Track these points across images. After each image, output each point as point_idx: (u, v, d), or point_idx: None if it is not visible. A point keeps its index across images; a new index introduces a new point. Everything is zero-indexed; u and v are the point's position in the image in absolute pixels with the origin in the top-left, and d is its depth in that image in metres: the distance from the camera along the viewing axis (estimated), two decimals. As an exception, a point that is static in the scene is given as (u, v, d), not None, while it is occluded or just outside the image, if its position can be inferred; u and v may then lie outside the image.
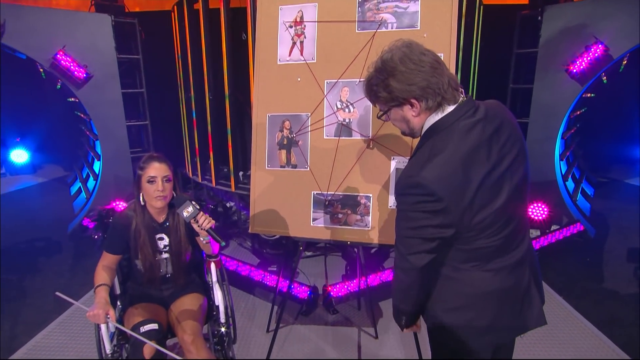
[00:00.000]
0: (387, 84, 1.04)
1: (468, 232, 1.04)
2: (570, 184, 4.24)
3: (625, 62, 3.72)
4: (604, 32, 3.33)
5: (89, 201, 4.16)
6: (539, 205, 3.79)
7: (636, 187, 5.30)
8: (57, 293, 1.46)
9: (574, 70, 3.46)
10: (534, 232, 3.72)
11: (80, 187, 4.75)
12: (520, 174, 1.08)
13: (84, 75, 3.69)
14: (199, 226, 1.52)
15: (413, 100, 1.04)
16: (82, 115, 4.66)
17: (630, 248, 3.29)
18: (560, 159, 4.03)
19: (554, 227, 3.70)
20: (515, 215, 1.09)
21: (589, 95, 4.30)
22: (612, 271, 3.12)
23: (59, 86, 4.00)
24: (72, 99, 4.55)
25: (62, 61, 3.57)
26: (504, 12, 4.07)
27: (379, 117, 1.17)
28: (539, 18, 3.62)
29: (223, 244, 1.52)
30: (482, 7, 3.55)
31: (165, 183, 1.60)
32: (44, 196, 5.58)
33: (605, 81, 3.83)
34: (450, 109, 1.04)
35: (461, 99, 1.06)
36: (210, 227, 1.52)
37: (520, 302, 1.15)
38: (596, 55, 3.32)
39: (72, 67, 3.63)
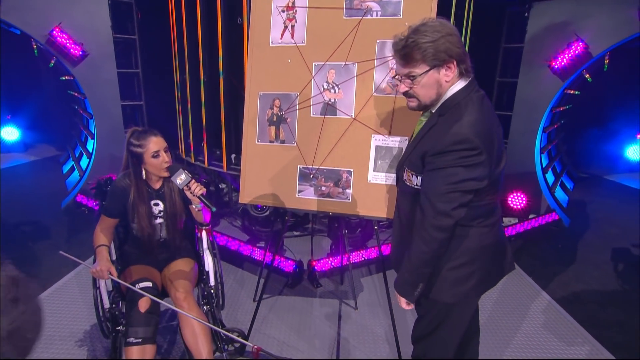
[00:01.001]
0: (439, 43, 1.12)
1: (487, 186, 1.19)
2: (550, 177, 4.42)
3: (607, 60, 3.87)
4: (585, 30, 3.47)
5: (82, 178, 4.23)
6: (518, 194, 3.97)
7: (614, 183, 5.54)
8: (61, 252, 1.57)
9: (556, 66, 3.61)
10: (512, 220, 3.91)
11: (72, 166, 4.81)
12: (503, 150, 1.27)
13: (80, 52, 3.74)
14: (191, 193, 1.64)
15: (454, 62, 1.16)
16: (75, 94, 4.69)
17: (614, 248, 3.41)
18: (541, 152, 4.19)
19: (531, 216, 3.90)
20: (502, 180, 1.28)
21: (572, 92, 4.46)
22: (581, 257, 3.31)
23: (52, 64, 4.02)
24: (66, 77, 4.57)
25: (59, 37, 3.61)
26: (494, 7, 4.19)
27: (398, 87, 1.24)
28: (526, 14, 3.75)
29: (214, 209, 1.64)
30: (472, 1, 3.65)
31: (167, 153, 1.72)
32: (37, 174, 5.61)
33: (590, 79, 3.98)
34: (468, 80, 1.21)
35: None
36: (202, 194, 1.64)
37: (502, 252, 1.36)
38: (577, 52, 3.46)
39: (68, 44, 3.66)
